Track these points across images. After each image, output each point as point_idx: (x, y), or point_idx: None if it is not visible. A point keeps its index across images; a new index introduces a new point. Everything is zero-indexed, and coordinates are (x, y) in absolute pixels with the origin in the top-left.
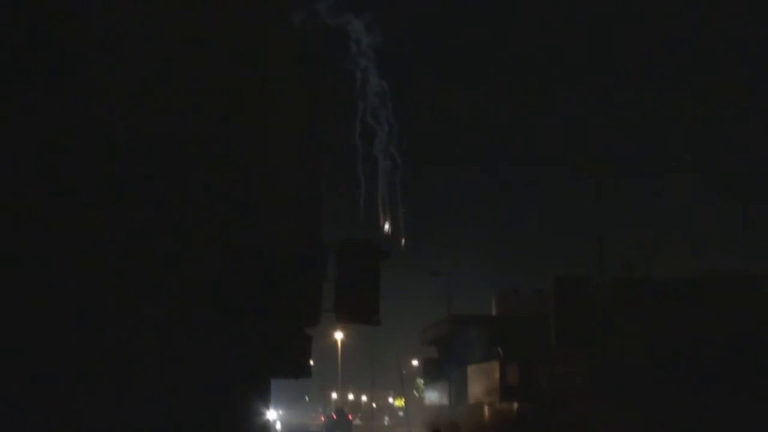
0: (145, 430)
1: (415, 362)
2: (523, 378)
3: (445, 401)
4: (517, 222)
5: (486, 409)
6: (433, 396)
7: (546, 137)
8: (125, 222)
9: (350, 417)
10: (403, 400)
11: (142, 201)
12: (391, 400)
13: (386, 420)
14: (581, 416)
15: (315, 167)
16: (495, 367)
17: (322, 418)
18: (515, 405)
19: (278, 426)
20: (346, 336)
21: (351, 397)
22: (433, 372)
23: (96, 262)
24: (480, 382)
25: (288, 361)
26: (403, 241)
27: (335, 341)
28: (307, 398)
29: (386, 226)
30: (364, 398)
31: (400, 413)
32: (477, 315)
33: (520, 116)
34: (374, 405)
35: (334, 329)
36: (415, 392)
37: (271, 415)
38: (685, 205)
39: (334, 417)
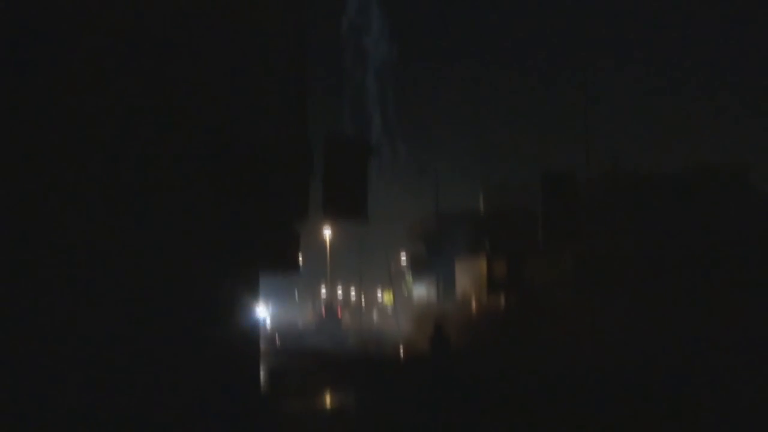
0: (128, 329)
1: (403, 257)
2: (510, 272)
3: (433, 296)
4: (508, 119)
5: (474, 303)
6: (421, 291)
7: (541, 29)
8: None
9: (339, 314)
10: (392, 294)
11: (126, 85)
12: (379, 295)
13: (375, 315)
14: (567, 307)
15: (302, 62)
16: (482, 261)
17: (310, 317)
18: (502, 298)
19: (267, 323)
20: (335, 234)
21: (340, 292)
22: (421, 267)
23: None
24: (467, 277)
25: (277, 256)
26: (389, 141)
27: (324, 239)
28: (296, 295)
29: (375, 124)
30: (352, 293)
31: (390, 309)
32: (464, 211)
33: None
34: (363, 300)
35: (323, 227)
36: (403, 288)
37: (262, 311)
38: (678, 98)
39: (324, 313)
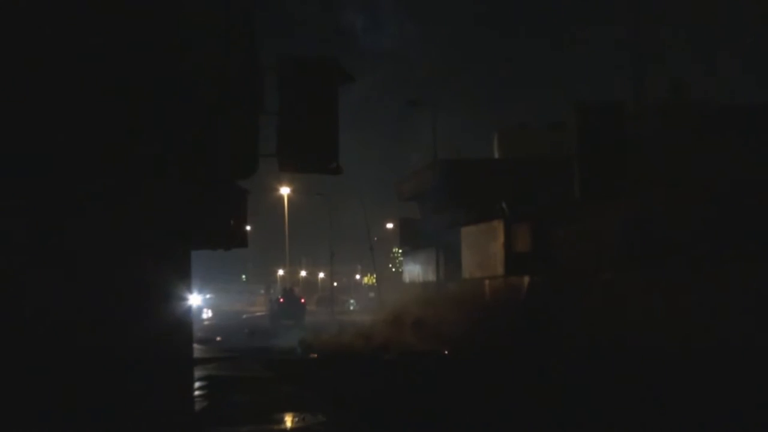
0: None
1: (390, 225)
2: (535, 243)
3: (430, 276)
4: (527, 48)
5: (486, 286)
6: (414, 270)
7: None
8: None
9: (303, 300)
10: (374, 275)
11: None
12: (358, 277)
13: (352, 304)
14: (612, 291)
15: None
16: (498, 228)
17: (264, 306)
18: (526, 279)
19: (207, 314)
20: (296, 194)
21: (304, 274)
22: (414, 238)
23: None
24: (478, 250)
25: (215, 226)
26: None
27: (280, 198)
28: (244, 277)
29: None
30: (321, 275)
31: (372, 294)
32: (472, 160)
33: None
34: (335, 284)
35: (279, 182)
36: (390, 267)
37: (195, 299)
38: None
39: (281, 300)
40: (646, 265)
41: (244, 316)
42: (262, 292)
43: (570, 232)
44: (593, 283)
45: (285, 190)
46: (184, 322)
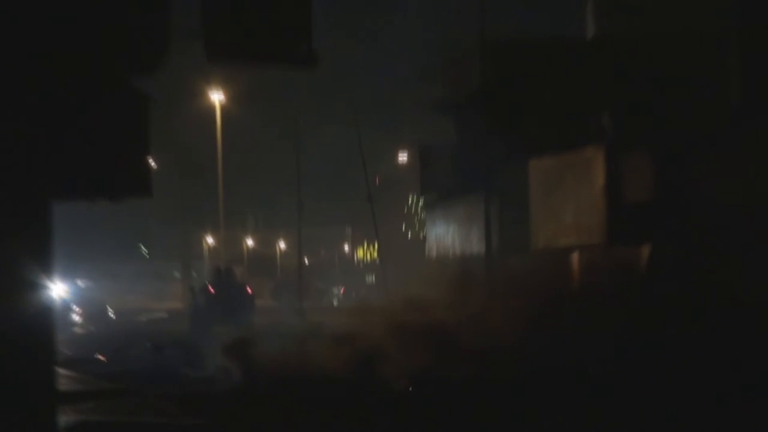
0: None
1: (403, 158)
2: (661, 186)
3: (475, 246)
4: None
5: (574, 263)
6: (446, 235)
7: None
8: None
9: (249, 290)
10: (374, 245)
11: None
12: (347, 248)
13: (335, 295)
14: None
15: None
16: (595, 161)
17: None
18: (645, 250)
19: (77, 316)
20: (236, 101)
21: (250, 243)
22: (445, 179)
23: None
24: (559, 200)
25: (90, 161)
26: None
27: (210, 111)
28: (144, 250)
29: None
30: (282, 246)
31: (371, 277)
32: (547, 38)
33: None
34: (306, 260)
35: (207, 83)
36: (404, 229)
37: (58, 290)
38: None
39: (211, 290)
40: None
41: (145, 319)
42: (178, 275)
43: (725, 167)
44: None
45: (217, 97)
46: (41, 329)
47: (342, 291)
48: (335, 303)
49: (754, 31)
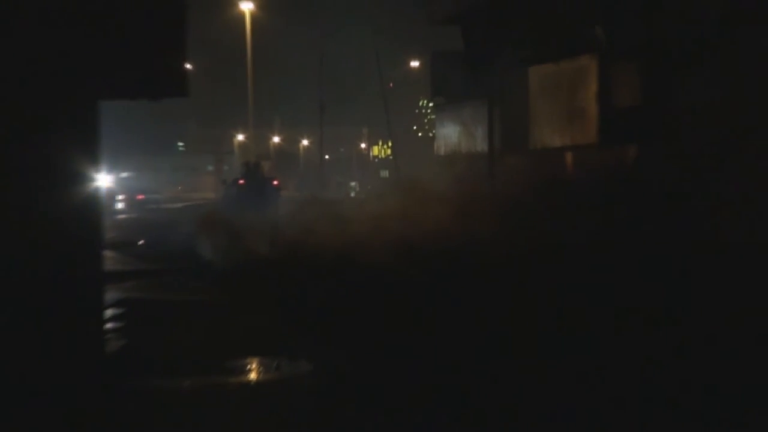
0: None
1: (415, 64)
2: (649, 93)
3: (479, 145)
4: None
5: (569, 159)
6: (452, 135)
7: None
8: None
9: (275, 182)
10: (388, 143)
11: None
12: (364, 146)
13: (353, 187)
14: None
15: None
16: (589, 69)
17: (202, 187)
18: (632, 150)
19: (121, 203)
20: (265, 9)
21: (276, 140)
22: (453, 84)
23: None
24: (555, 104)
25: (131, 61)
26: None
27: (240, 19)
28: (181, 146)
29: None
30: (305, 143)
31: (385, 172)
32: None
33: None
34: (327, 156)
35: None
36: (415, 130)
37: (104, 180)
38: None
39: (241, 182)
40: None
41: (181, 206)
42: (211, 168)
43: (708, 77)
44: (747, 160)
45: (247, 5)
46: (89, 216)
47: (358, 185)
48: (352, 195)
49: None
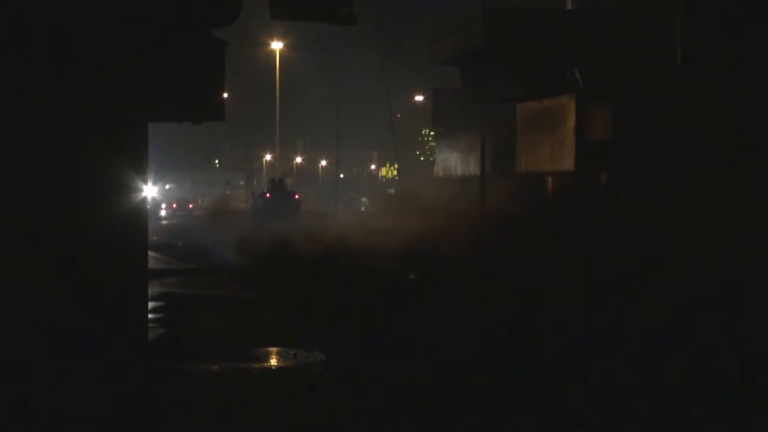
0: None
1: (419, 98)
2: (618, 128)
3: (472, 168)
4: None
5: (549, 183)
6: (450, 159)
7: None
8: None
9: (297, 196)
10: (394, 167)
11: None
12: (374, 167)
13: (364, 202)
14: (725, 196)
15: None
16: (568, 106)
17: (233, 199)
18: (603, 176)
19: (162, 210)
20: (292, 48)
21: (299, 160)
22: (452, 116)
23: None
24: (539, 136)
25: (177, 90)
26: None
27: (271, 56)
28: (217, 163)
29: None
30: (323, 163)
31: (392, 190)
32: (535, 9)
33: None
34: (342, 175)
35: (270, 34)
36: (418, 154)
37: (150, 191)
38: None
39: (268, 195)
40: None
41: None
42: (242, 183)
43: (667, 113)
44: (698, 184)
45: (277, 45)
46: (137, 221)
47: (368, 200)
48: (362, 209)
49: (694, 8)
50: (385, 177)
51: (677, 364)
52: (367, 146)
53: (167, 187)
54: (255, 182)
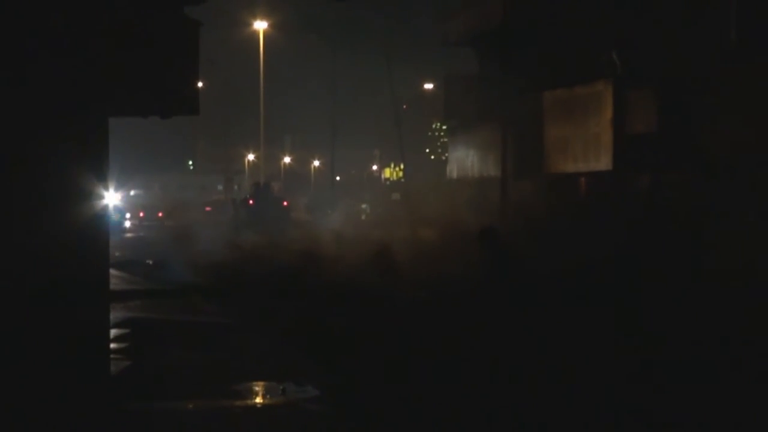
0: None
1: (428, 86)
2: (664, 120)
3: (491, 169)
4: None
5: (582, 187)
6: (465, 158)
7: None
8: None
9: (285, 203)
10: (400, 168)
11: None
12: (375, 168)
13: (365, 210)
14: None
15: None
16: (604, 94)
17: (210, 206)
18: (646, 178)
19: (126, 221)
20: (278, 29)
21: (287, 161)
22: (466, 107)
23: None
24: (569, 128)
25: (143, 78)
26: None
27: (253, 38)
28: (191, 164)
29: None
30: (316, 164)
31: (396, 195)
32: None
33: None
34: (338, 178)
35: (252, 14)
36: (428, 152)
37: (112, 198)
38: None
39: (251, 202)
40: None
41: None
42: (221, 188)
43: (723, 104)
44: (761, 187)
45: (260, 25)
46: (95, 235)
47: (369, 206)
48: (363, 217)
49: None
50: (389, 179)
51: None
52: (367, 144)
53: (132, 193)
54: (236, 187)
